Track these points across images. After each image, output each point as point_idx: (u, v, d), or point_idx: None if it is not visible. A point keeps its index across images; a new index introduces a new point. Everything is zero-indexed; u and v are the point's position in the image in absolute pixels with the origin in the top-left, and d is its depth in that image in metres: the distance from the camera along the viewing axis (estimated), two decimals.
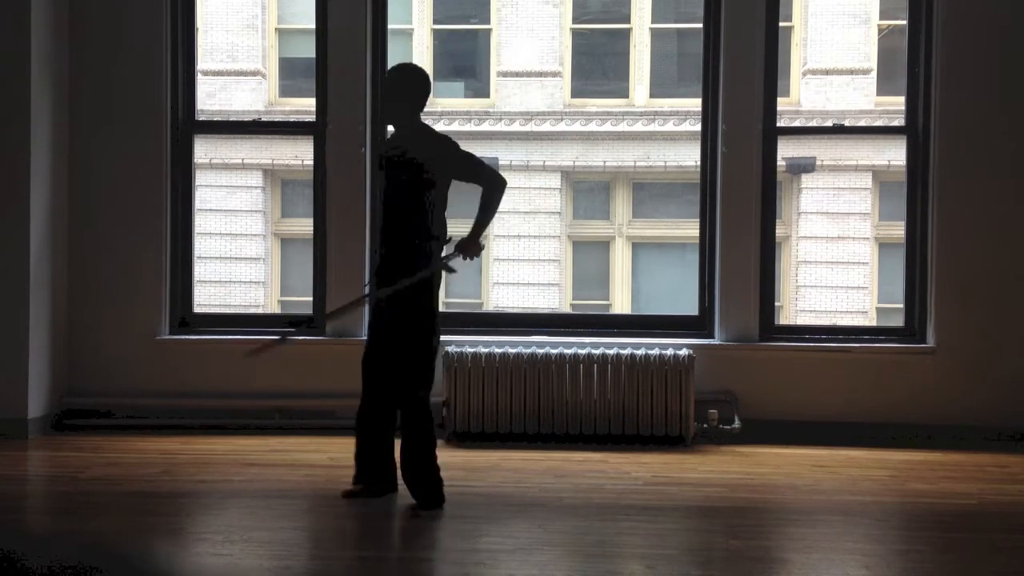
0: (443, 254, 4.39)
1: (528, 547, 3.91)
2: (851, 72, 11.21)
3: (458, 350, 5.88)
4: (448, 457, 5.43)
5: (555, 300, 11.05)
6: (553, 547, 3.92)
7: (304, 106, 9.48)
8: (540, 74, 11.06)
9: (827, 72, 11.24)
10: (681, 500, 4.57)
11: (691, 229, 7.08)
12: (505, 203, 4.68)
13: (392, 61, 6.56)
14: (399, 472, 4.38)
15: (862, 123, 10.67)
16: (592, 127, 11.07)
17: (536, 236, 11.14)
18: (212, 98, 11.13)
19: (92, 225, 6.20)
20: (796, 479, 5.00)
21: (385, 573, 3.55)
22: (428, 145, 4.44)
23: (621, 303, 11.10)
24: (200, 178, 9.79)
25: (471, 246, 4.38)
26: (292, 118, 10.44)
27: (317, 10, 6.27)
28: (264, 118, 10.94)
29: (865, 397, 5.98)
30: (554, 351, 5.90)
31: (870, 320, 10.84)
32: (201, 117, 7.09)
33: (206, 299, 10.45)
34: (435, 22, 11.53)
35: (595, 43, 11.56)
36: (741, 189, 6.08)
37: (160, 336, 6.22)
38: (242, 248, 11.43)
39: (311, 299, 6.36)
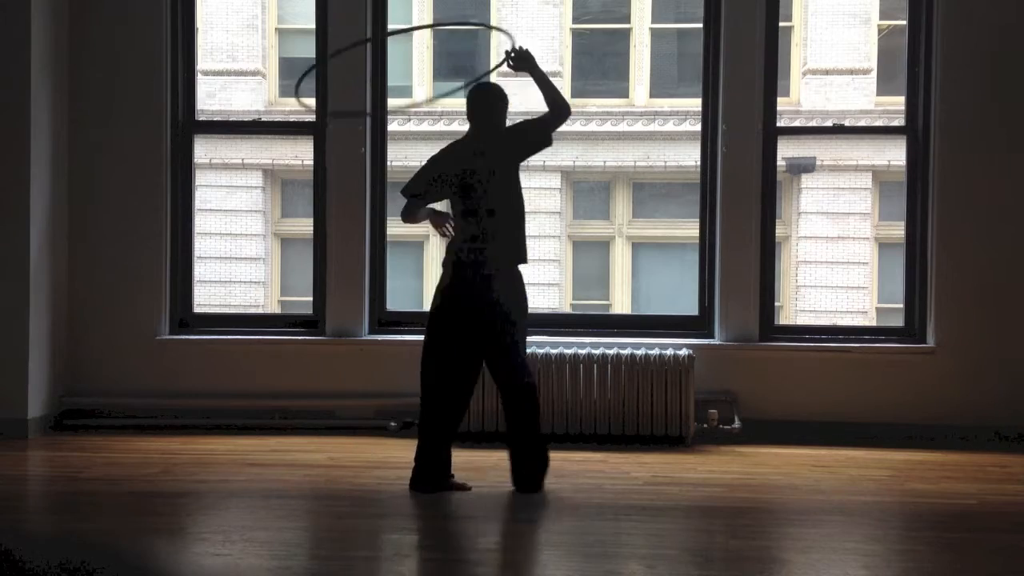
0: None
1: (528, 547, 3.91)
2: (851, 72, 11.21)
3: None
4: None
5: (555, 300, 11.06)
6: (553, 547, 3.92)
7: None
8: None
9: (827, 72, 11.24)
10: (681, 500, 4.57)
11: (691, 229, 7.08)
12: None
13: (392, 61, 6.59)
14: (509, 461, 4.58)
15: (862, 123, 10.67)
16: (592, 127, 11.07)
17: (536, 236, 11.14)
18: (212, 98, 11.14)
19: (92, 225, 6.20)
20: (796, 479, 5.00)
21: (385, 573, 3.55)
22: (506, 139, 4.66)
23: (621, 303, 11.10)
24: (200, 178, 9.79)
25: (527, 61, 4.62)
26: (292, 118, 10.44)
27: (317, 10, 6.27)
28: (264, 118, 10.95)
29: (865, 397, 5.98)
30: (554, 351, 5.90)
31: (870, 320, 10.84)
32: (201, 117, 7.10)
33: (206, 299, 10.46)
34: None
35: (595, 43, 11.56)
36: (741, 189, 6.08)
37: (160, 336, 6.22)
38: (242, 248, 11.43)
39: (311, 299, 6.37)
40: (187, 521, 4.25)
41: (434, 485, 4.53)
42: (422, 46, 11.42)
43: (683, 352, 5.86)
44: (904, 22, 6.33)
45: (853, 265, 11.11)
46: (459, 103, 11.71)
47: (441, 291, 4.56)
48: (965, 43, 5.97)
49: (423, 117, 11.39)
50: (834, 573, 3.55)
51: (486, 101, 4.69)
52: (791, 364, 6.04)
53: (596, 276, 11.33)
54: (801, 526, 4.20)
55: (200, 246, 7.70)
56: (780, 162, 6.55)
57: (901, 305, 6.26)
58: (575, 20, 11.48)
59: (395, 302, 6.55)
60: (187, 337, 6.28)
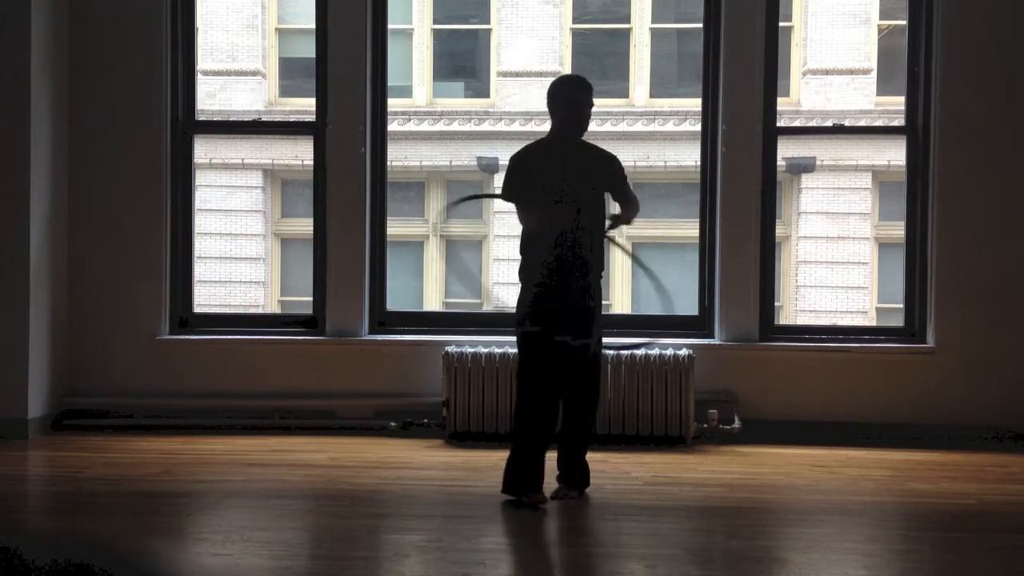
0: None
1: (528, 547, 3.91)
2: (851, 72, 11.22)
3: (458, 350, 5.87)
4: (448, 457, 5.44)
5: None
6: (553, 547, 3.92)
7: (304, 106, 9.48)
8: (540, 74, 11.05)
9: (827, 72, 11.24)
10: (681, 500, 4.57)
11: (691, 229, 7.08)
12: (503, 203, 4.80)
13: (392, 61, 6.59)
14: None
15: (862, 123, 10.68)
16: (592, 127, 11.05)
17: None
18: (212, 98, 11.14)
19: (92, 225, 6.20)
20: (796, 479, 5.00)
21: (385, 573, 3.55)
22: (598, 162, 4.96)
23: (621, 303, 11.09)
24: (200, 178, 9.79)
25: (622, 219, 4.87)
26: (292, 118, 10.45)
27: (317, 10, 6.27)
28: (264, 118, 10.95)
29: (865, 397, 5.98)
30: None
31: (870, 320, 10.84)
32: (201, 117, 7.10)
33: (206, 299, 10.46)
34: (435, 22, 11.54)
35: (595, 43, 11.57)
36: (741, 189, 6.08)
37: (160, 336, 6.22)
38: (242, 248, 11.44)
39: (311, 299, 6.37)
40: (187, 521, 4.25)
41: (533, 489, 4.38)
42: (422, 46, 11.43)
43: (683, 352, 5.86)
44: (904, 22, 6.33)
45: (853, 265, 11.12)
46: (459, 103, 11.74)
47: (534, 303, 4.43)
48: (965, 43, 5.96)
49: (423, 117, 11.39)
50: (834, 573, 3.55)
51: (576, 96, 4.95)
52: (791, 364, 6.04)
53: None
54: (801, 526, 4.20)
55: (200, 246, 7.70)
56: (780, 162, 6.55)
57: (901, 305, 6.26)
58: (575, 20, 11.49)
59: (395, 302, 6.55)
60: (187, 337, 6.28)
